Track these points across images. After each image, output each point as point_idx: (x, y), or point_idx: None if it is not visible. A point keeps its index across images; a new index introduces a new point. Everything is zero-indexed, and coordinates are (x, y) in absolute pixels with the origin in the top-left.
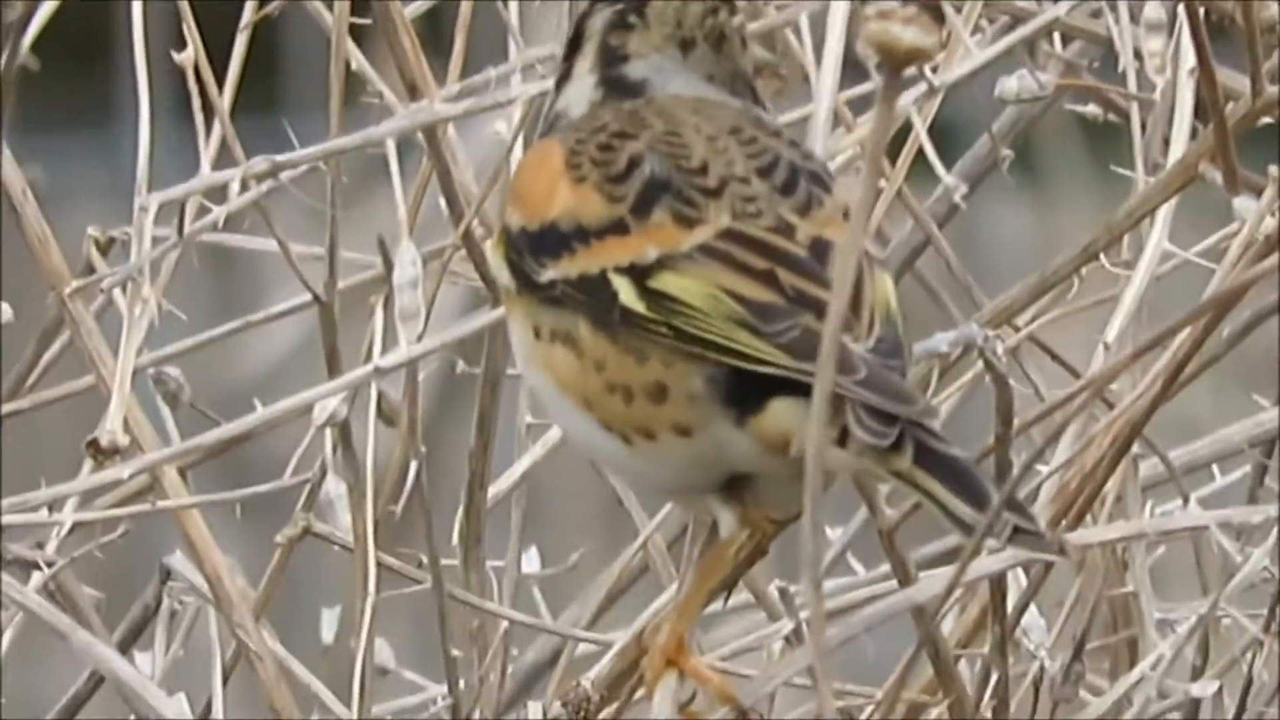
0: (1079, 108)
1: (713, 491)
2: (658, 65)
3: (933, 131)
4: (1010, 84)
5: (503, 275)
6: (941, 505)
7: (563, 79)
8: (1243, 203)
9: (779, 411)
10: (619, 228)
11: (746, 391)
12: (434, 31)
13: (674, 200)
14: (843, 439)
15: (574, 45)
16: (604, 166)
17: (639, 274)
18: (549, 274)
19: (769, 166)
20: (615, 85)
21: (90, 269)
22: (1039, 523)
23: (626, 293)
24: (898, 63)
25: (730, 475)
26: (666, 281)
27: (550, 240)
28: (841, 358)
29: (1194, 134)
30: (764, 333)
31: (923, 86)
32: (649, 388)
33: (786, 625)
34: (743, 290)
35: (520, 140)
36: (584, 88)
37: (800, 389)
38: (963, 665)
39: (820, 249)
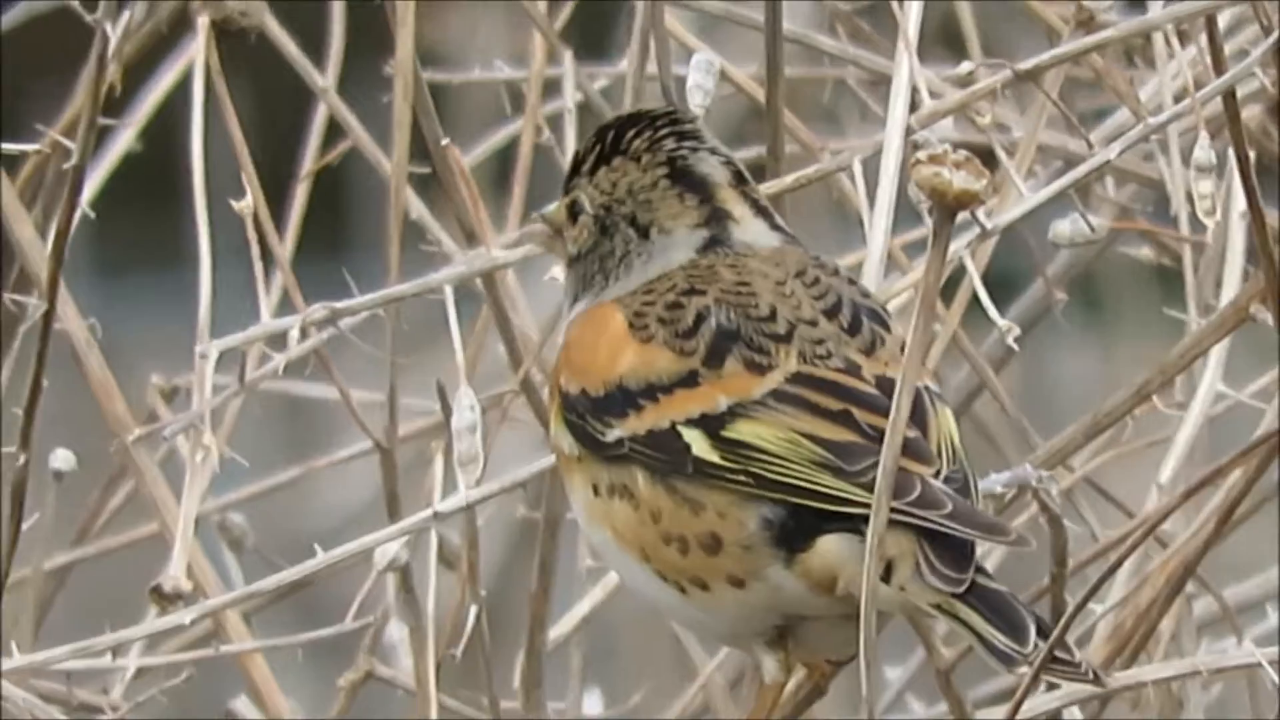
0: (1133, 251)
1: (760, 638)
2: (758, 229)
3: (992, 275)
4: (1063, 227)
5: (563, 442)
6: (981, 637)
7: (632, 221)
8: None
9: (826, 549)
10: (688, 380)
11: (797, 533)
12: (495, 177)
13: (744, 349)
14: (886, 575)
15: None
16: (672, 324)
17: (712, 424)
18: (615, 433)
19: (834, 308)
20: (716, 241)
21: (154, 417)
22: (1074, 651)
23: (699, 444)
24: (949, 206)
25: (781, 622)
26: (741, 430)
27: (616, 401)
28: (925, 492)
29: (1245, 276)
30: (847, 472)
31: (975, 230)
32: (703, 539)
33: None
34: (821, 432)
35: None
36: (678, 243)
37: (847, 526)
38: None
39: (888, 387)
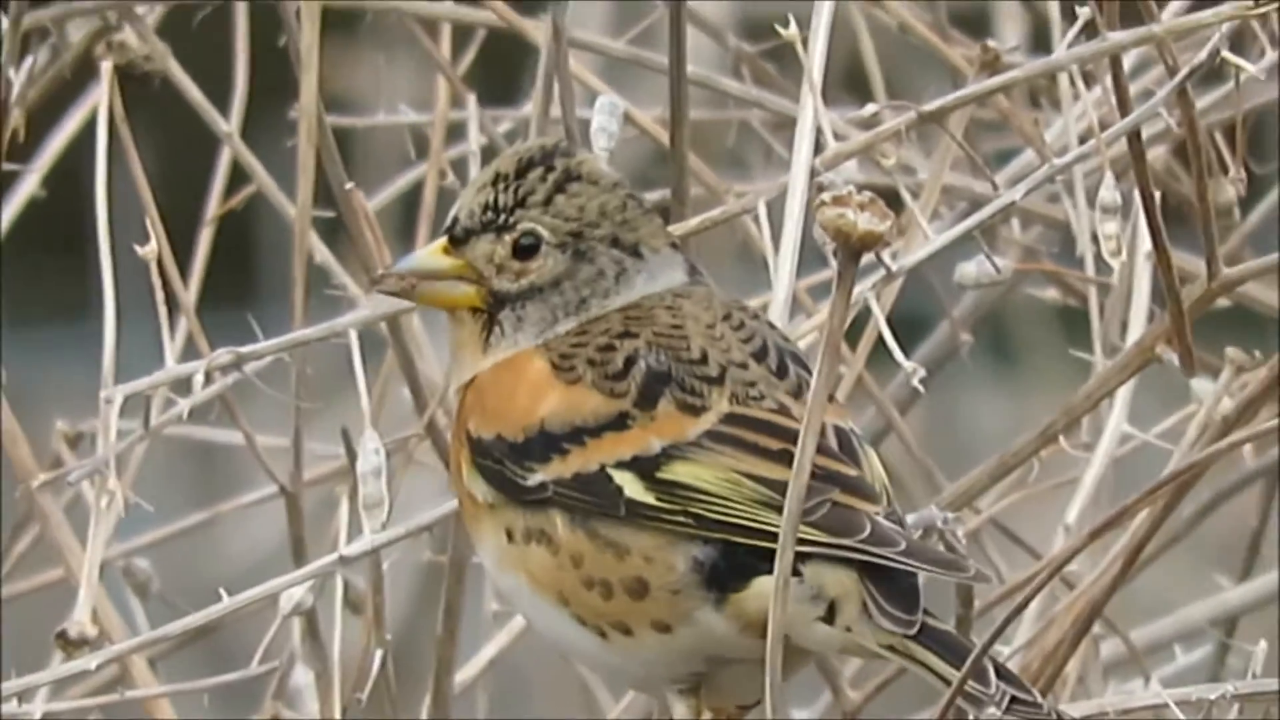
0: (1039, 292)
1: (676, 683)
2: (665, 259)
3: (898, 317)
4: (969, 269)
5: (475, 488)
6: (942, 678)
7: (615, 243)
8: (1200, 384)
9: (762, 590)
10: (617, 423)
11: (730, 574)
12: (400, 221)
13: (677, 390)
14: (830, 616)
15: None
16: (601, 366)
17: (645, 466)
18: (537, 477)
19: (761, 351)
20: (694, 268)
21: (59, 462)
22: (1035, 693)
23: (632, 486)
24: (853, 248)
25: (703, 668)
26: (678, 471)
27: (537, 445)
28: (875, 529)
29: (1151, 316)
30: None
31: (881, 271)
32: (629, 583)
33: None
34: (761, 471)
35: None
36: (671, 260)
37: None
38: None
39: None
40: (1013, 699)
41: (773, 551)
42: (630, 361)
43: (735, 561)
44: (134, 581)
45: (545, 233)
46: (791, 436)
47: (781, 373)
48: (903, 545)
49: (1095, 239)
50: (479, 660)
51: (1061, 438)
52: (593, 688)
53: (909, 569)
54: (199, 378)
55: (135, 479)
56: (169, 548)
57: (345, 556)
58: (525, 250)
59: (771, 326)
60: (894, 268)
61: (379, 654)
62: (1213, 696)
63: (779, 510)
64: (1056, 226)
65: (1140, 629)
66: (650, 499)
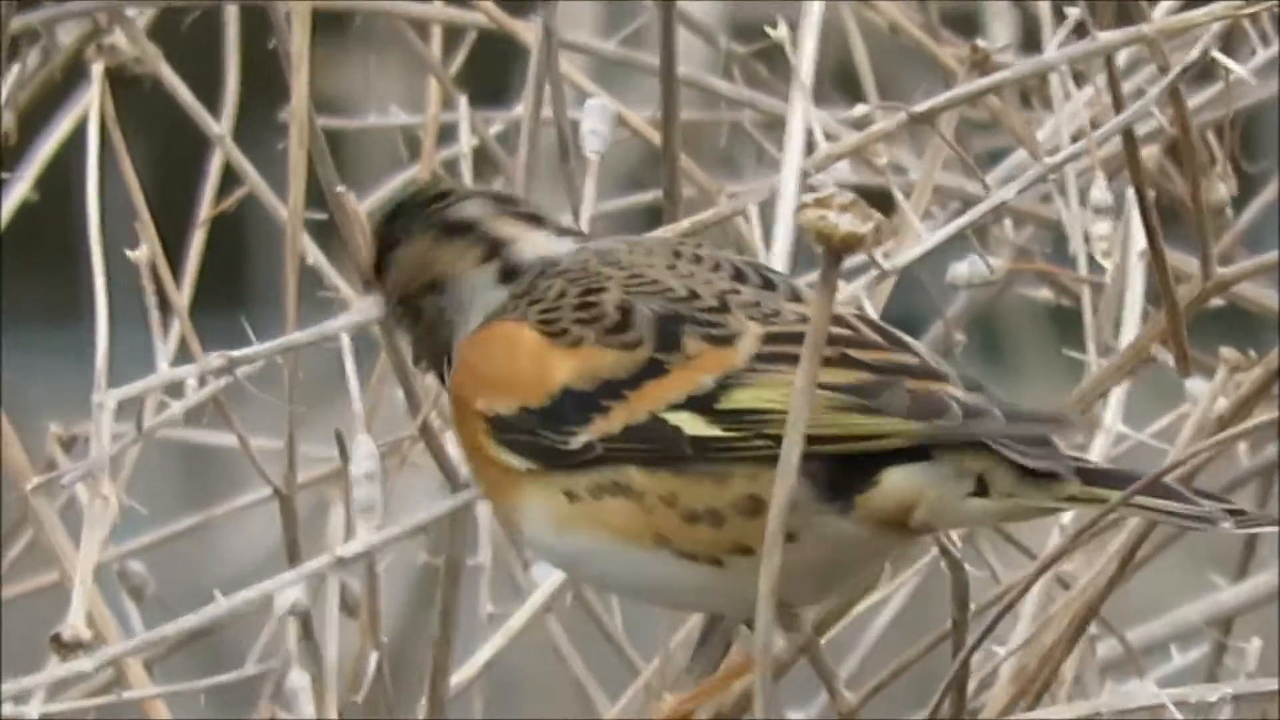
0: (1031, 292)
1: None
2: (542, 240)
3: (891, 317)
4: (961, 269)
5: (510, 459)
6: (1158, 511)
7: (430, 288)
8: (1195, 384)
9: (896, 484)
10: (653, 370)
11: (846, 480)
12: None
13: (694, 327)
14: (981, 488)
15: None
16: (595, 323)
17: (702, 403)
18: (580, 439)
19: (738, 273)
20: (514, 271)
21: (52, 465)
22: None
23: (693, 424)
24: (835, 249)
25: (829, 574)
26: (740, 399)
27: (568, 408)
28: (963, 406)
29: (1145, 316)
30: (875, 408)
31: (873, 271)
32: (740, 503)
33: None
34: (829, 379)
35: None
36: (479, 283)
37: (908, 455)
38: None
39: (853, 321)
40: (1233, 512)
41: (881, 452)
42: (626, 312)
43: (848, 465)
44: (129, 585)
45: (387, 304)
46: (839, 339)
47: (770, 285)
48: (998, 411)
49: (1088, 239)
50: (475, 662)
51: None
52: (589, 690)
53: (1011, 443)
54: (192, 381)
55: (129, 482)
56: (163, 551)
57: (341, 557)
58: (396, 324)
59: (718, 248)
60: (886, 267)
61: (375, 656)
62: (1212, 698)
63: (864, 411)
64: (1049, 226)
65: (1136, 629)
66: (716, 431)
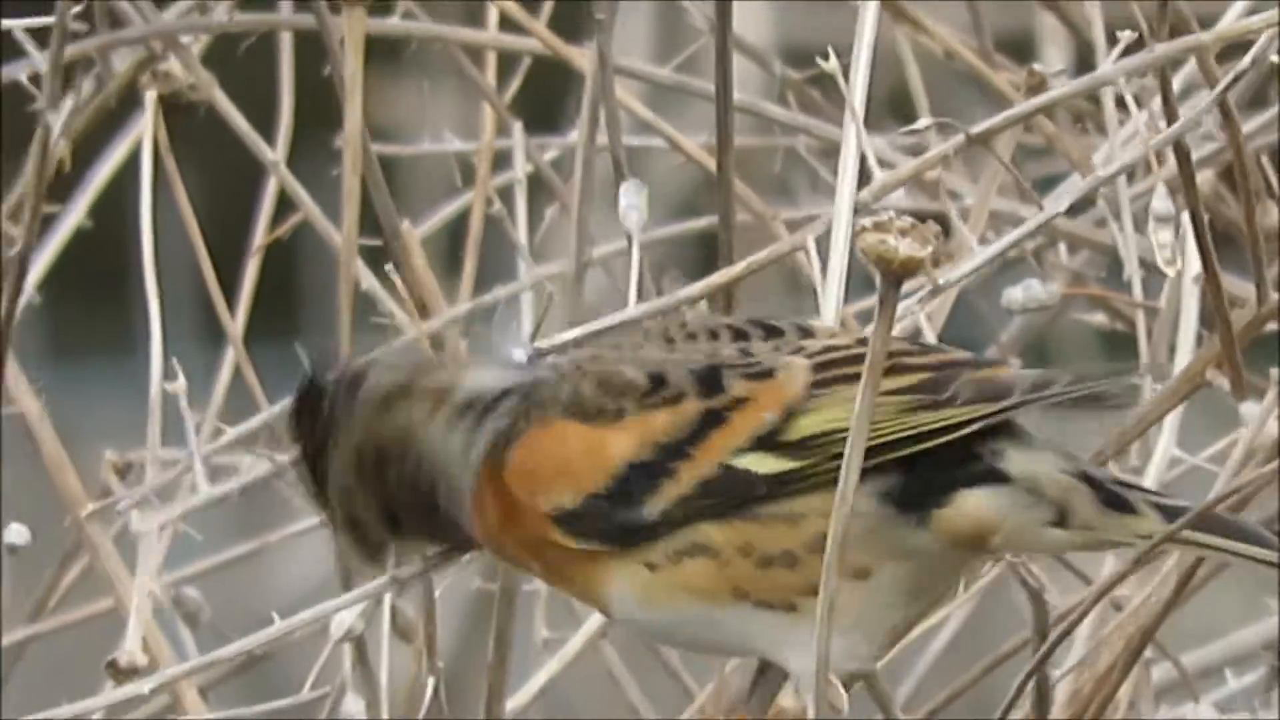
0: (1086, 317)
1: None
2: (487, 372)
3: (947, 342)
4: (1016, 293)
5: (583, 545)
6: (1230, 552)
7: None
8: (1249, 409)
9: (972, 504)
10: (712, 420)
11: (922, 495)
12: (446, 249)
13: (734, 373)
14: (1061, 519)
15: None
16: (629, 394)
17: (769, 439)
18: (657, 507)
19: (738, 332)
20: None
21: (107, 491)
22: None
23: (762, 463)
24: (894, 273)
25: (906, 603)
26: (806, 425)
27: (633, 481)
28: (1029, 382)
29: (1199, 341)
30: (943, 401)
31: (926, 286)
32: (814, 541)
33: None
34: (890, 385)
35: None
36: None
37: (987, 478)
38: None
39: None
40: None
41: (958, 457)
42: (655, 378)
43: (922, 479)
44: (184, 611)
45: (347, 511)
46: (892, 354)
47: (775, 332)
48: (1065, 379)
49: (1143, 263)
50: (530, 688)
51: (1111, 462)
52: (643, 714)
53: (1085, 398)
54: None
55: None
56: (218, 578)
57: (396, 578)
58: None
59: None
60: (940, 282)
61: (430, 681)
62: None
63: (931, 407)
64: (1104, 251)
65: (1191, 653)
66: (787, 464)
